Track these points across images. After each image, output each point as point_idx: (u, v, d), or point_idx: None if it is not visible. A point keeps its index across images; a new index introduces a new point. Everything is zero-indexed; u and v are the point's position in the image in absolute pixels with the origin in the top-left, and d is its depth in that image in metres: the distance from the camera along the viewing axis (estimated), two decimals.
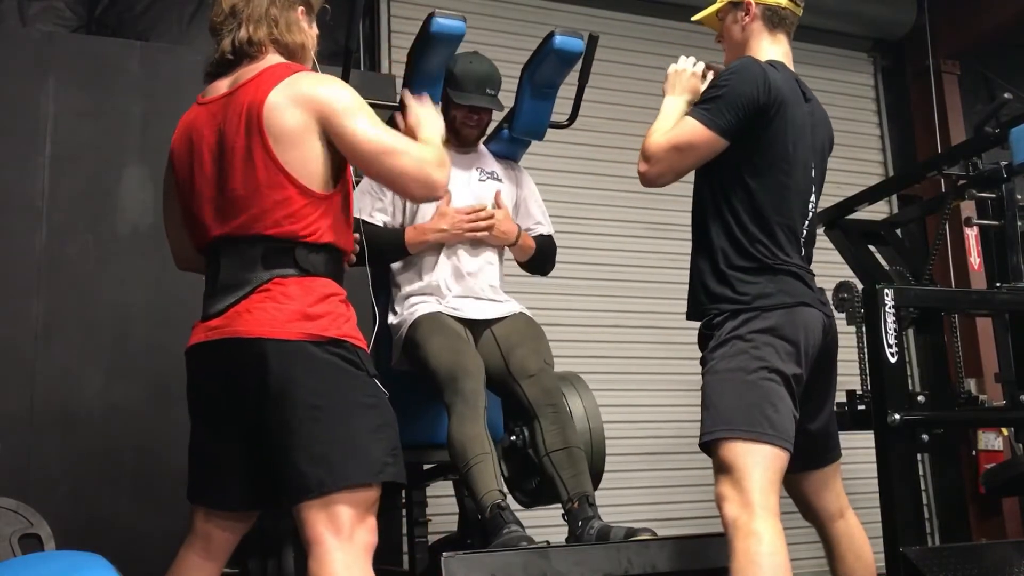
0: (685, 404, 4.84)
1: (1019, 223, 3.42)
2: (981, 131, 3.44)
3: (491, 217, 2.84)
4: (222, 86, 2.05)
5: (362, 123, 1.95)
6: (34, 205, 3.68)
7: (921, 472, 5.31)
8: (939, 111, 5.66)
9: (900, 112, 5.97)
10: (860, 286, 3.55)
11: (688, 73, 2.48)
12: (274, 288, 1.92)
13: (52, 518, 3.17)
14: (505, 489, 2.55)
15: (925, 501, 5.38)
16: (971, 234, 5.33)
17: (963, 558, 2.85)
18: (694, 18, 2.62)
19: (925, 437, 3.00)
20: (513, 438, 2.76)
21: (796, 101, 2.34)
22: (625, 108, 5.02)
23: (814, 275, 2.37)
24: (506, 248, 2.99)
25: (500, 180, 3.00)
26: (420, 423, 2.78)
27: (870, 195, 3.93)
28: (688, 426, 4.79)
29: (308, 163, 1.94)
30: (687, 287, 2.41)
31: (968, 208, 4.19)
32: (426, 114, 2.17)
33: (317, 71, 2.14)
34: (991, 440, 5.14)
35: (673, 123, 2.37)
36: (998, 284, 3.40)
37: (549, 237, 3.07)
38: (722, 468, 2.13)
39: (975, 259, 5.35)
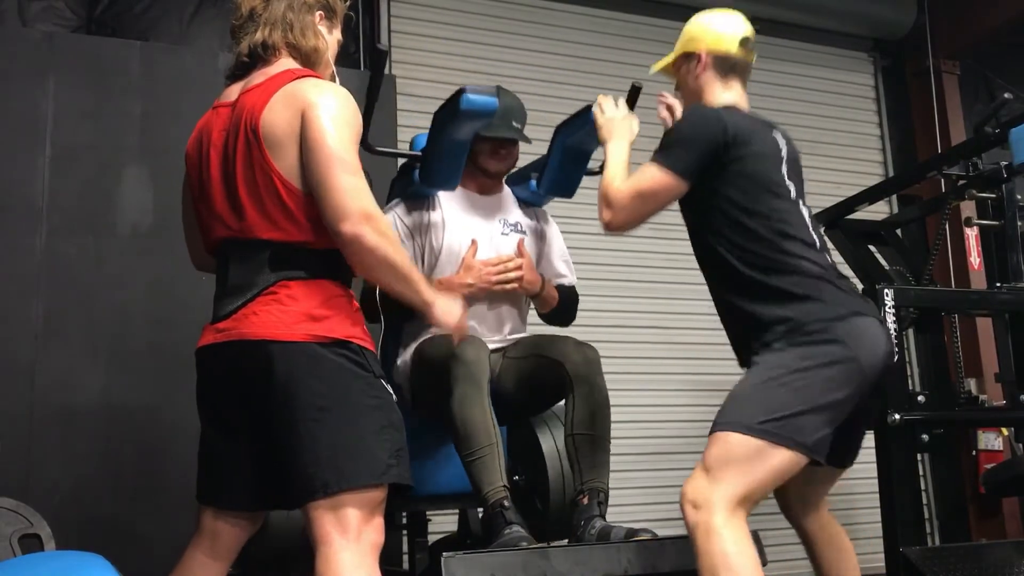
0: (686, 404, 4.85)
1: (1019, 223, 3.42)
2: (981, 131, 3.44)
3: (519, 268, 2.74)
4: (235, 90, 2.05)
5: (337, 127, 1.89)
6: (34, 205, 3.69)
7: (921, 472, 5.31)
8: (939, 111, 5.66)
9: (900, 112, 5.97)
10: (860, 286, 3.55)
11: (620, 118, 2.57)
12: (280, 291, 1.92)
13: (52, 518, 3.17)
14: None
15: (925, 501, 5.38)
16: (971, 234, 5.33)
17: (963, 558, 2.85)
18: (652, 69, 2.67)
19: (925, 437, 3.00)
20: (516, 477, 2.73)
21: (760, 131, 2.39)
22: None
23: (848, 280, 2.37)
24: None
25: (523, 232, 2.90)
26: (425, 474, 2.70)
27: (870, 195, 3.93)
28: (689, 426, 4.82)
29: (301, 167, 1.92)
30: (713, 316, 2.39)
31: (968, 208, 4.18)
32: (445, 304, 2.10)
33: (335, 78, 2.13)
34: (991, 440, 5.14)
35: (623, 167, 2.44)
36: (998, 284, 3.39)
37: (571, 288, 2.98)
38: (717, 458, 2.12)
39: (975, 259, 5.35)
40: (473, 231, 2.80)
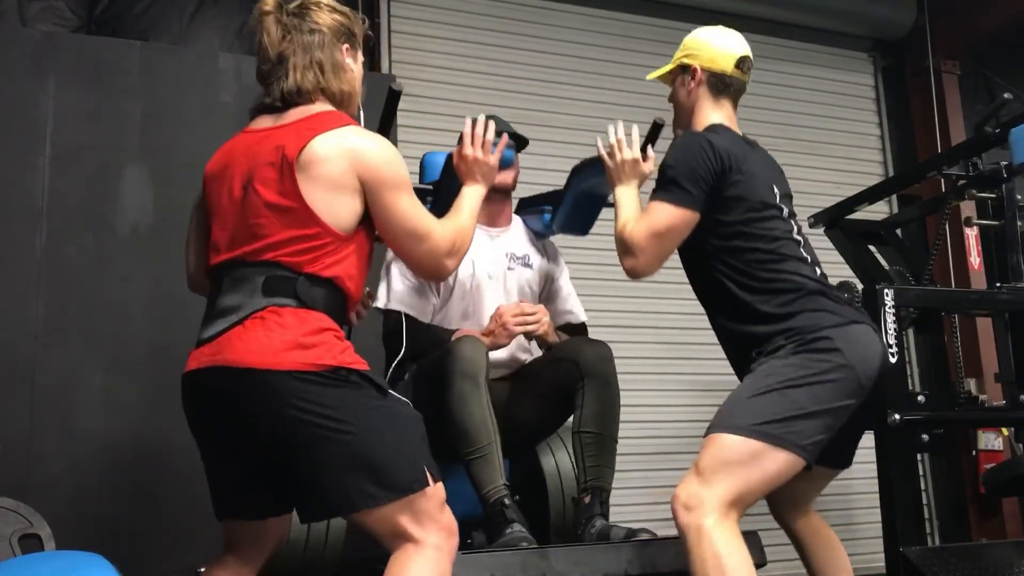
0: (686, 404, 4.85)
1: (1019, 223, 3.41)
2: (981, 131, 3.43)
3: (536, 312, 2.73)
4: (267, 120, 2.05)
5: (403, 201, 2.00)
6: (34, 205, 3.69)
7: (921, 472, 5.31)
8: (939, 111, 5.65)
9: (900, 112, 5.97)
10: (860, 286, 3.55)
11: (631, 160, 2.54)
12: (269, 316, 1.86)
13: (52, 518, 3.17)
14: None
15: (925, 501, 5.38)
16: (971, 234, 5.33)
17: (963, 558, 2.84)
18: (649, 76, 2.68)
19: (925, 437, 2.99)
20: (516, 497, 2.71)
21: (748, 152, 2.41)
22: (625, 108, 5.02)
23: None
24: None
25: (530, 266, 2.90)
26: None
27: (870, 195, 3.92)
28: (689, 426, 4.82)
29: (336, 208, 1.92)
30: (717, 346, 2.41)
31: (968, 208, 4.18)
32: (483, 167, 2.33)
33: (361, 114, 2.16)
34: (991, 440, 5.14)
35: (634, 211, 2.43)
36: (998, 284, 3.39)
37: (581, 324, 2.98)
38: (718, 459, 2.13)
39: (975, 259, 5.35)
40: (480, 266, 2.81)
